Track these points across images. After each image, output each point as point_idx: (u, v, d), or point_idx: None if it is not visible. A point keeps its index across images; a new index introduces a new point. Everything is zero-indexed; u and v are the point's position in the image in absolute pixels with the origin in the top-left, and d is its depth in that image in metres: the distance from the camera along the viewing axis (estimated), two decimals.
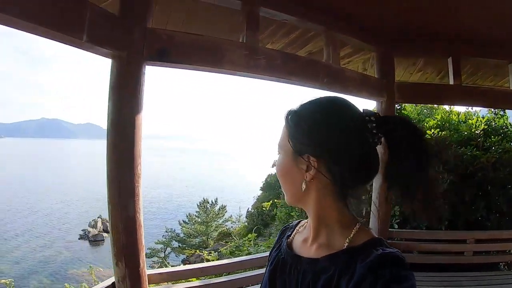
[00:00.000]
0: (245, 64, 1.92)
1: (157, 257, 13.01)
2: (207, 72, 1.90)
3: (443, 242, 3.39)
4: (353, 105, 0.62)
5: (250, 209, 12.41)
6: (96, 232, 19.97)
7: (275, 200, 8.11)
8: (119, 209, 1.63)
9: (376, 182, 2.82)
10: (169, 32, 1.77)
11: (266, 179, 12.34)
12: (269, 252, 0.78)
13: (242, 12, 2.04)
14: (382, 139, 0.58)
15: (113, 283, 1.73)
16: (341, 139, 0.57)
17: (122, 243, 1.64)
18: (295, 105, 0.64)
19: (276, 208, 7.90)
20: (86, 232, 20.10)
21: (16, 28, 1.35)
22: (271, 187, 11.76)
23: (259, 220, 10.33)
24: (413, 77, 3.64)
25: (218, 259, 4.97)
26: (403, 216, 3.55)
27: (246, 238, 6.04)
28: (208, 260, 5.14)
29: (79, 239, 19.90)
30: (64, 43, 1.59)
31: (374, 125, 0.58)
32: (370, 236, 0.58)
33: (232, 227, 14.36)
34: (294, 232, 0.74)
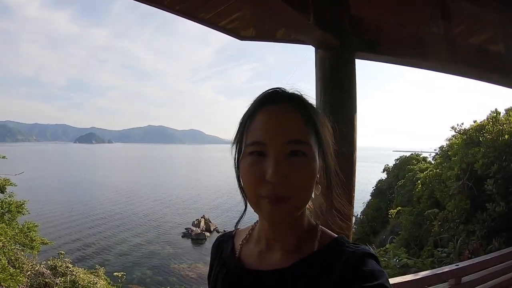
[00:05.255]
0: (446, 59, 1.70)
1: None
2: (410, 67, 1.69)
3: None
4: None
5: (359, 216, 11.40)
6: (199, 231, 20.53)
7: (400, 208, 7.50)
8: None
9: None
10: (376, 21, 1.57)
11: (377, 184, 11.65)
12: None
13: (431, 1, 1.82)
14: None
15: None
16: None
17: None
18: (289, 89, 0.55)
19: (395, 216, 7.49)
20: (189, 231, 20.65)
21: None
22: (382, 193, 11.01)
23: (368, 227, 9.95)
24: None
25: None
26: None
27: None
28: None
29: (182, 237, 20.39)
30: (289, 27, 1.43)
31: None
32: (333, 235, 0.55)
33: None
34: (237, 245, 0.62)
